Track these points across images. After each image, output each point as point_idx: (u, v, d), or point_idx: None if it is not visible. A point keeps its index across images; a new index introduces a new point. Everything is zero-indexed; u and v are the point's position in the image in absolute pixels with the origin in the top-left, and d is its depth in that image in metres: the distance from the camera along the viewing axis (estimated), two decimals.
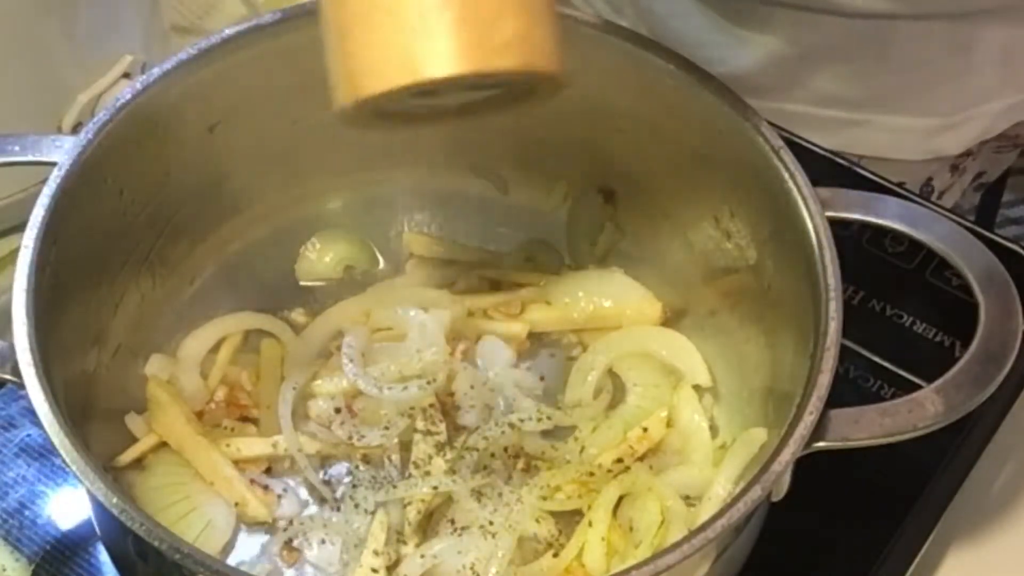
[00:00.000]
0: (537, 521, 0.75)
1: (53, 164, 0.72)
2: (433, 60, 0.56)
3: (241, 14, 1.09)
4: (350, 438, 0.79)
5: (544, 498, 0.76)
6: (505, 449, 0.79)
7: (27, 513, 0.80)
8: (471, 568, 0.73)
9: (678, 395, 0.82)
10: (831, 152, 0.97)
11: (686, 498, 0.77)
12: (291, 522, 0.77)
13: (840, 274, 0.69)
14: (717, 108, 0.76)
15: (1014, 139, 1.09)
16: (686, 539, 0.62)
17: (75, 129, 0.91)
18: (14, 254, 0.69)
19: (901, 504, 0.81)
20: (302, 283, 0.89)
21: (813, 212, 0.71)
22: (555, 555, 0.74)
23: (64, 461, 0.63)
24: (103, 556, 0.78)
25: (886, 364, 0.87)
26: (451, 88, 0.59)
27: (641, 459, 0.79)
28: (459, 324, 0.84)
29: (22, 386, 0.65)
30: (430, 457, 0.78)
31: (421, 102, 0.61)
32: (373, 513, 0.76)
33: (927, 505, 0.81)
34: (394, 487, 0.77)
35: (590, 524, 0.75)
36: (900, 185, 1.00)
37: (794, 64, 0.95)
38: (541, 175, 0.88)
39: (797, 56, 0.95)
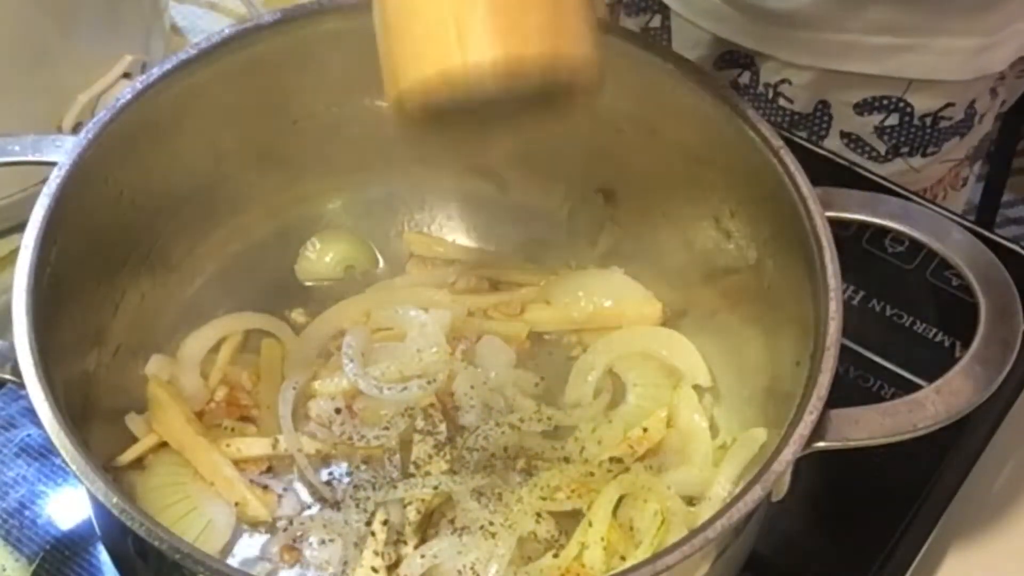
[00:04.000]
0: (537, 521, 0.75)
1: (53, 164, 0.72)
2: (465, 50, 0.59)
3: (241, 14, 1.09)
4: (350, 438, 0.79)
5: (544, 498, 0.76)
6: (505, 449, 0.79)
7: (27, 513, 0.80)
8: (471, 568, 0.73)
9: (678, 395, 0.82)
10: (831, 152, 0.97)
11: (686, 498, 0.77)
12: (291, 522, 0.77)
13: (840, 274, 0.69)
14: (717, 108, 0.76)
15: None
16: (686, 539, 0.62)
17: (75, 129, 0.91)
18: (14, 254, 0.69)
19: (901, 504, 0.81)
20: (302, 283, 0.89)
21: (813, 212, 0.71)
22: (555, 555, 0.74)
23: (64, 461, 0.63)
24: (103, 556, 0.78)
25: (886, 364, 0.87)
26: (488, 90, 0.61)
27: (641, 459, 0.79)
28: (459, 324, 0.84)
29: (22, 386, 0.65)
30: (430, 457, 0.78)
31: (465, 106, 0.63)
32: (373, 513, 0.76)
33: (927, 505, 0.81)
34: (394, 487, 0.77)
35: (590, 524, 0.75)
36: (948, 107, 1.02)
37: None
38: (541, 175, 0.88)
39: None
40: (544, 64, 0.61)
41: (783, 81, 1.02)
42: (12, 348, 0.66)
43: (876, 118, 1.02)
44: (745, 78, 1.04)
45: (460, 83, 0.60)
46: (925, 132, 1.03)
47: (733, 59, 1.04)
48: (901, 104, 1.01)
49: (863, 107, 1.02)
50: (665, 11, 1.07)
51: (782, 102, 1.03)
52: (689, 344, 0.84)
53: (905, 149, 1.04)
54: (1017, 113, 1.17)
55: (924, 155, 1.05)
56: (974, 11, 0.97)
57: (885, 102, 1.02)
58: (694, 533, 0.62)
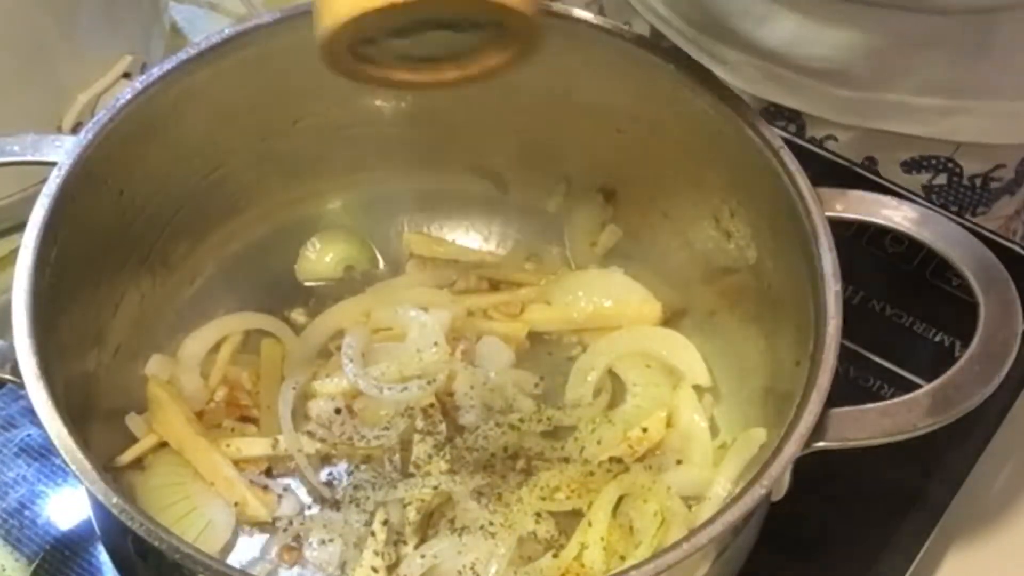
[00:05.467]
0: (537, 521, 0.75)
1: (53, 164, 0.72)
2: None
3: (241, 14, 1.09)
4: (350, 438, 0.79)
5: (544, 498, 0.76)
6: (505, 449, 0.79)
7: (27, 513, 0.80)
8: (471, 568, 0.73)
9: (678, 395, 0.82)
10: (831, 153, 0.97)
11: (686, 498, 0.77)
12: (291, 522, 0.78)
13: (840, 274, 0.69)
14: (717, 108, 0.76)
15: None
16: (686, 539, 0.62)
17: (75, 129, 0.91)
18: (14, 254, 0.69)
19: (901, 504, 0.81)
20: (302, 283, 0.89)
21: (813, 212, 0.71)
22: (555, 555, 0.74)
23: (64, 461, 0.63)
24: (103, 556, 0.78)
25: (886, 364, 0.87)
26: (412, 23, 0.60)
27: (641, 459, 0.79)
28: (459, 324, 0.84)
29: (22, 386, 0.65)
30: (430, 457, 0.78)
31: (396, 45, 0.63)
32: (373, 513, 0.76)
33: (927, 505, 0.81)
34: (394, 487, 0.77)
35: (590, 524, 0.75)
36: (999, 168, 1.00)
37: (892, 56, 0.94)
38: (541, 175, 0.88)
39: (894, 48, 0.94)
40: (468, 9, 0.61)
41: (828, 137, 1.00)
42: (12, 348, 0.66)
43: (924, 177, 1.00)
44: (791, 130, 1.02)
45: (376, 20, 0.60)
46: (975, 192, 1.01)
47: (778, 113, 1.02)
48: (950, 165, 0.99)
49: (911, 165, 1.00)
50: None
51: (828, 155, 1.01)
52: (689, 344, 0.84)
53: (954, 208, 1.01)
54: None
55: (974, 214, 1.02)
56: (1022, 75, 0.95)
57: (933, 162, 0.99)
58: (694, 533, 0.62)
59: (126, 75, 0.94)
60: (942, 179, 1.00)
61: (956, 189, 1.00)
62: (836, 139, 1.00)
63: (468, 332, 0.85)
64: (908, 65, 0.93)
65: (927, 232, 0.72)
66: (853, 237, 0.90)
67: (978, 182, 1.00)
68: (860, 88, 0.95)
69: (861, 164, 0.99)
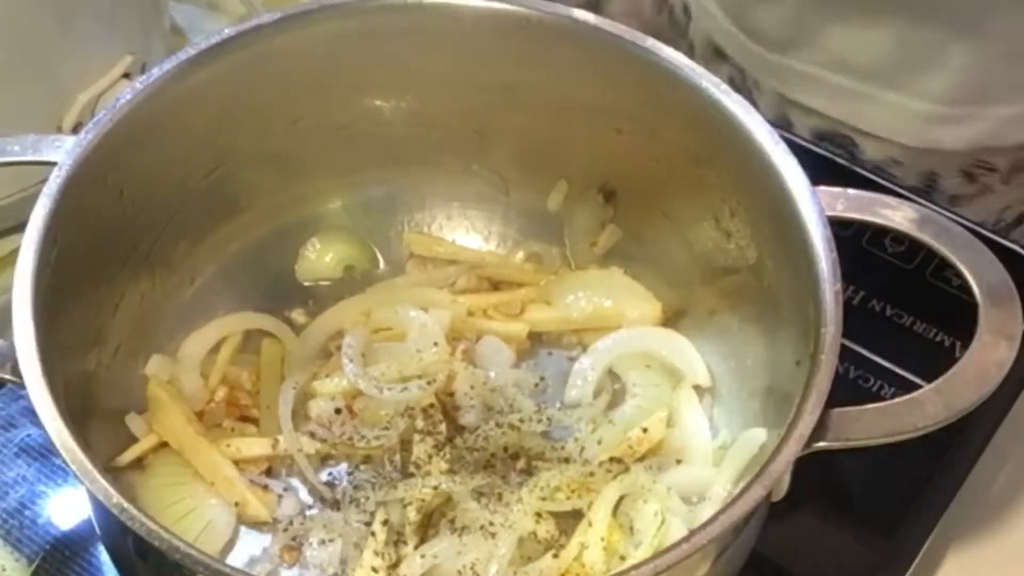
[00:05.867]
0: (537, 521, 0.75)
1: (53, 164, 0.72)
2: None
3: (241, 14, 1.09)
4: (350, 438, 0.79)
5: (544, 498, 0.76)
6: (505, 449, 0.79)
7: (27, 513, 0.80)
8: (471, 568, 0.73)
9: (678, 395, 0.82)
10: (831, 153, 0.97)
11: (686, 498, 0.77)
12: (291, 522, 0.77)
13: (840, 274, 0.69)
14: (717, 108, 0.76)
15: None
16: (686, 539, 0.62)
17: (75, 129, 0.91)
18: (14, 254, 0.69)
19: (901, 504, 0.81)
20: (302, 283, 0.89)
21: (813, 212, 0.71)
22: (555, 555, 0.74)
23: (64, 461, 0.63)
24: (103, 556, 0.78)
25: (886, 364, 0.87)
26: None
27: (641, 459, 0.79)
28: (459, 324, 0.84)
29: (22, 386, 0.65)
30: (430, 457, 0.78)
31: None
32: (373, 513, 0.76)
33: (927, 505, 0.81)
34: (394, 487, 0.77)
35: (590, 524, 0.75)
36: (896, 164, 1.00)
37: (811, 18, 0.96)
38: (541, 175, 0.88)
39: (808, 12, 0.96)
40: None
41: (754, 86, 1.03)
42: (12, 348, 0.66)
43: (832, 149, 1.01)
44: (735, 76, 1.06)
45: None
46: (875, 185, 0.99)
47: (723, 57, 1.06)
48: (851, 147, 1.01)
49: (820, 136, 1.01)
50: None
51: (829, 155, 1.01)
52: (689, 344, 0.84)
53: None
54: None
55: None
56: (928, 72, 0.95)
57: (838, 140, 1.01)
58: (694, 533, 0.62)
59: (126, 75, 0.94)
60: (845, 158, 1.00)
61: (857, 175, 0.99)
62: (760, 90, 1.04)
63: (468, 332, 0.85)
64: (825, 30, 0.95)
65: (927, 232, 0.73)
66: (853, 237, 0.90)
67: (877, 174, 0.99)
68: (778, 51, 0.98)
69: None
